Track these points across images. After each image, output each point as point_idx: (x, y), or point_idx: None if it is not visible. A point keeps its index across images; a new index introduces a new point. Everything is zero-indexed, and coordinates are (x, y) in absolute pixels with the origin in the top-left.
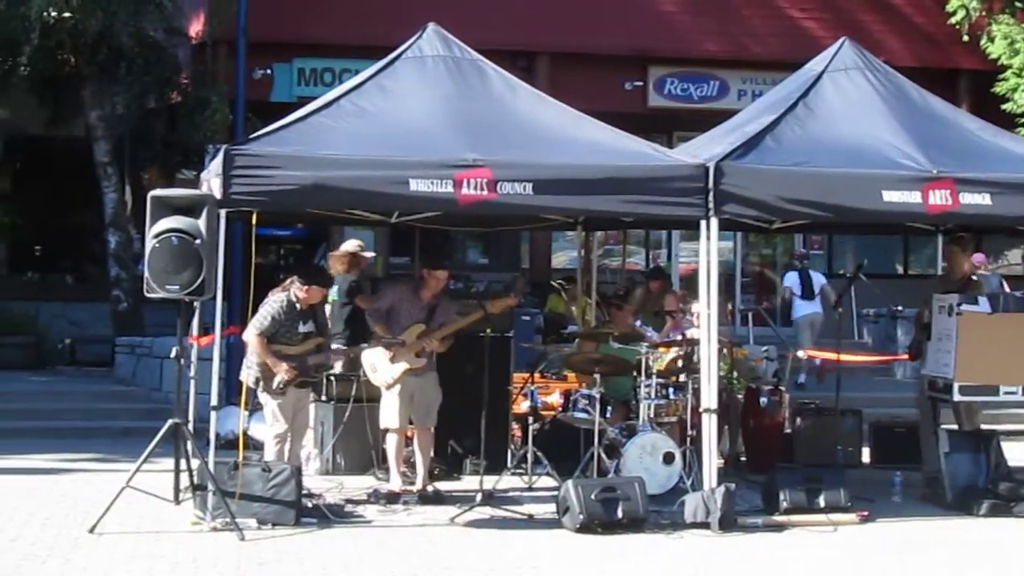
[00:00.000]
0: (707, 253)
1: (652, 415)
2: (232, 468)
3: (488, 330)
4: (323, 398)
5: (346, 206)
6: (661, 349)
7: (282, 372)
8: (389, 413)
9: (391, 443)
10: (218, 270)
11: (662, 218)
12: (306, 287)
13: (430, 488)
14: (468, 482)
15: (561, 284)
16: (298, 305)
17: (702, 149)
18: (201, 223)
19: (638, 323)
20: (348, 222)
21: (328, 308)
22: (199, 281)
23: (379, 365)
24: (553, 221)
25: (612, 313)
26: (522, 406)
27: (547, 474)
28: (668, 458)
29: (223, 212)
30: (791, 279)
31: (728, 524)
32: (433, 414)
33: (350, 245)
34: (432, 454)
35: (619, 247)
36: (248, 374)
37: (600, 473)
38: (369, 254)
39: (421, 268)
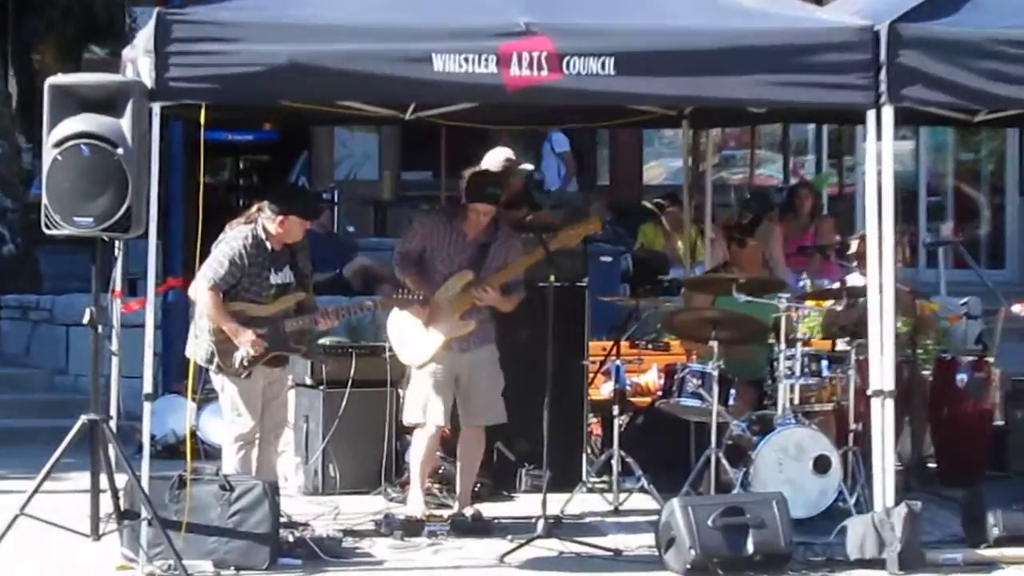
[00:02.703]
0: (876, 159)
1: (797, 401)
2: (176, 486)
3: (551, 277)
4: (308, 381)
5: (338, 97)
6: (811, 303)
7: (247, 343)
8: (417, 404)
9: (417, 448)
10: (151, 194)
11: (809, 108)
12: (280, 216)
13: (468, 512)
14: (524, 503)
15: (660, 205)
16: (269, 244)
17: (869, 3)
18: (124, 124)
19: None
20: (341, 120)
21: None
22: (123, 210)
23: (407, 334)
24: (645, 115)
25: (734, 250)
26: (603, 390)
27: (642, 490)
28: (821, 464)
29: (156, 107)
30: None
31: (912, 561)
32: (492, 407)
33: (499, 156)
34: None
35: (745, 153)
36: (197, 347)
37: (720, 488)
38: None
39: (460, 200)
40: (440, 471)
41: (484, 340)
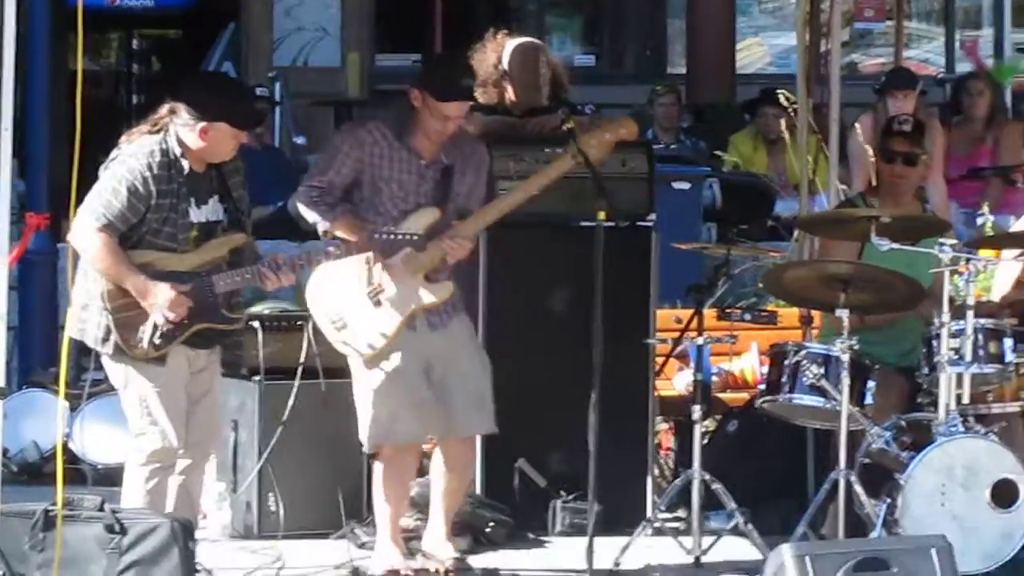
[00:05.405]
0: None
1: (967, 400)
2: (40, 526)
3: (601, 214)
4: (241, 371)
5: None
6: (988, 253)
7: (162, 304)
8: (377, 416)
9: (386, 483)
10: (1, 89)
11: None
12: (202, 123)
13: (477, 566)
14: (561, 550)
15: (785, 96)
16: (187, 164)
17: None
18: None
19: None
20: None
21: None
22: None
23: (346, 307)
24: None
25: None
26: (677, 382)
27: (735, 531)
28: (1003, 494)
29: None
30: None
31: None
32: (482, 406)
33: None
34: (476, 489)
35: (888, 26)
36: (82, 319)
37: (854, 529)
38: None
39: (413, 89)
40: (424, 502)
41: (455, 309)
